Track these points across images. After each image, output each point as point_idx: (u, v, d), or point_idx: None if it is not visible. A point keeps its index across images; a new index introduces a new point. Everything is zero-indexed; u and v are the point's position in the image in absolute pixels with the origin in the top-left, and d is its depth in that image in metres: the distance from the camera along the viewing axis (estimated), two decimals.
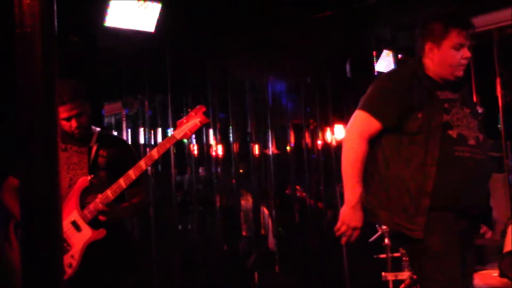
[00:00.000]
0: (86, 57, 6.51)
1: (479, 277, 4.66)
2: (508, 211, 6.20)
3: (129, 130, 7.72)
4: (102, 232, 4.10)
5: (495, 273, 4.68)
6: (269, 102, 8.05)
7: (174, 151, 7.78)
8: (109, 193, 4.06)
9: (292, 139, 8.08)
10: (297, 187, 8.03)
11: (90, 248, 4.11)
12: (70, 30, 6.29)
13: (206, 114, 4.12)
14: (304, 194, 7.97)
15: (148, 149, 7.67)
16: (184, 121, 4.11)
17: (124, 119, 7.73)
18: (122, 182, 4.06)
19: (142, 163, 4.07)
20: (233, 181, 8.06)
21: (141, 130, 7.91)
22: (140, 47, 6.88)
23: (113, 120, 8.11)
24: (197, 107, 4.15)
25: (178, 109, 7.96)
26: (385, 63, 7.51)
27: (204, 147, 8.19)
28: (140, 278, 4.40)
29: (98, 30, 6.47)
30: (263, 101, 8.11)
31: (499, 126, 6.55)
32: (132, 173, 4.06)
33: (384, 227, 4.99)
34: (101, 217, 4.09)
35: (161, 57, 7.43)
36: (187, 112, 4.13)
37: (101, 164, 4.23)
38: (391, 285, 5.04)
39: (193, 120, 4.09)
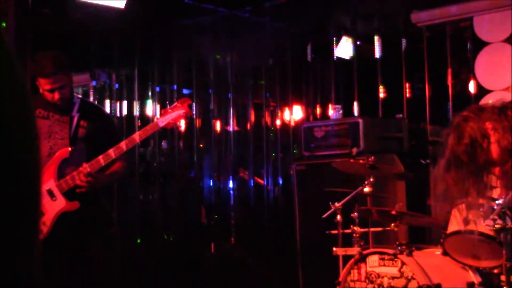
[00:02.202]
0: (56, 29, 6.60)
1: (423, 254, 4.87)
2: None
3: (95, 102, 7.81)
4: (75, 204, 4.22)
5: (438, 251, 4.84)
6: (232, 81, 8.18)
7: (139, 124, 7.93)
8: (88, 167, 4.17)
9: (252, 117, 8.22)
10: (256, 178, 8.17)
11: (63, 217, 4.24)
12: (43, 3, 6.37)
13: (190, 106, 4.25)
14: (262, 181, 8.10)
15: None
16: (169, 110, 4.23)
17: (91, 90, 7.80)
18: (101, 159, 4.17)
19: (123, 145, 4.17)
20: (194, 154, 8.23)
21: (107, 102, 8.01)
22: (110, 22, 6.98)
23: (80, 91, 8.18)
24: (183, 98, 4.31)
25: (144, 83, 8.09)
26: (344, 49, 7.71)
27: None
28: (109, 250, 4.56)
29: (69, 4, 6.57)
30: (226, 80, 8.23)
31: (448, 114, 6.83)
32: (112, 153, 4.16)
33: (337, 204, 5.27)
34: (83, 189, 4.25)
35: (129, 32, 7.53)
36: (153, 89, 4.25)
37: (81, 135, 4.30)
38: (341, 259, 5.18)
39: (178, 111, 4.20)
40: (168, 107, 4.32)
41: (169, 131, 8.15)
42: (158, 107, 8.24)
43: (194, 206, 8.17)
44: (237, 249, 7.73)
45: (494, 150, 3.10)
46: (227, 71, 8.20)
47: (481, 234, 4.50)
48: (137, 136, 4.23)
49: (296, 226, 6.44)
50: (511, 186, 3.41)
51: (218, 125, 8.36)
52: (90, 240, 4.37)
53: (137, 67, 7.82)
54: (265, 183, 8.06)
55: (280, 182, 8.03)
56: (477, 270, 4.75)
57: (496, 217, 4.18)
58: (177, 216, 8.04)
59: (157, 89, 8.22)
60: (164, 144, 8.30)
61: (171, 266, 7.49)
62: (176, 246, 7.90)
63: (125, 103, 8.31)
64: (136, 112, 8.18)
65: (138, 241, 7.86)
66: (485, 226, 4.27)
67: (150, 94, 8.23)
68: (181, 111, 4.23)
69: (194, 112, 7.91)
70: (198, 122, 8.31)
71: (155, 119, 4.36)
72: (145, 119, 8.09)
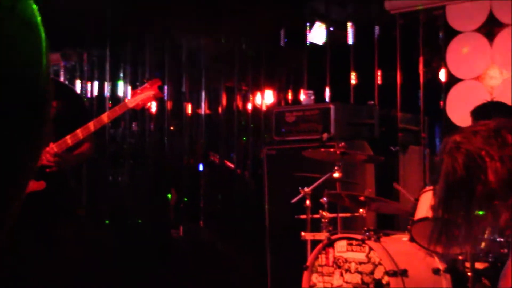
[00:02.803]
0: None
1: (390, 240, 4.90)
2: (422, 181, 6.57)
3: (66, 82, 7.74)
4: (42, 185, 4.16)
5: (405, 237, 4.91)
6: (204, 64, 8.13)
7: (110, 105, 7.88)
8: (55, 148, 4.14)
9: (224, 101, 8.22)
10: (226, 162, 8.17)
11: (29, 198, 4.26)
12: None
13: (160, 88, 4.23)
14: (231, 165, 8.10)
15: None
16: (139, 91, 4.21)
17: (62, 70, 7.73)
18: (68, 140, 4.13)
19: (91, 125, 4.12)
20: (165, 137, 8.20)
21: (78, 82, 7.95)
22: (82, 2, 6.91)
23: (50, 70, 8.09)
24: (153, 80, 4.27)
25: (116, 64, 8.03)
26: (317, 34, 7.71)
27: None
28: (77, 231, 4.55)
29: None
30: (198, 62, 8.16)
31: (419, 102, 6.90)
32: (79, 133, 4.12)
33: (306, 189, 5.28)
34: (50, 169, 4.21)
35: (102, 12, 7.45)
36: (125, 70, 4.21)
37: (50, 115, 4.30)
38: (309, 244, 5.19)
39: (147, 92, 4.19)
40: (138, 88, 4.29)
41: (139, 113, 8.10)
42: (129, 88, 8.19)
43: (164, 189, 8.15)
44: (205, 233, 7.73)
45: (493, 181, 2.79)
46: (199, 54, 8.16)
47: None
48: (105, 117, 4.19)
49: (265, 210, 6.42)
50: None
51: (189, 108, 8.32)
52: (57, 221, 4.33)
53: (109, 48, 7.75)
54: (235, 167, 8.06)
55: (250, 166, 8.03)
56: (442, 257, 4.78)
57: None
58: (146, 198, 8.01)
59: (129, 70, 8.17)
60: (134, 125, 8.25)
61: (139, 248, 7.46)
62: (144, 228, 7.87)
63: (96, 83, 8.24)
64: (107, 93, 8.13)
65: (107, 222, 7.83)
66: None
67: (121, 75, 8.17)
68: (150, 93, 4.20)
69: (164, 94, 7.86)
70: (169, 105, 8.25)
71: (125, 100, 4.33)
72: (116, 100, 8.03)
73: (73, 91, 5.00)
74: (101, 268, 6.94)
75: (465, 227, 2.72)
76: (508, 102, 5.36)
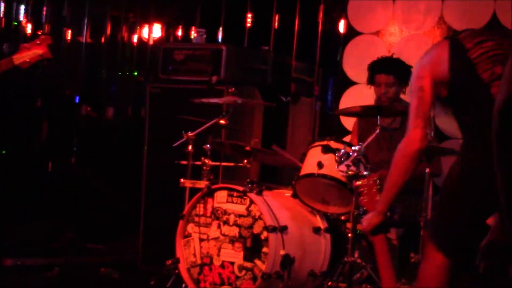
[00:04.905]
0: None
1: (272, 194, 4.83)
2: (310, 135, 6.51)
3: None
4: None
5: (288, 193, 4.88)
6: None
7: None
8: None
9: (108, 30, 7.91)
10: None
11: None
12: None
13: (50, 47, 4.11)
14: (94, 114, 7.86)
15: None
16: (27, 47, 4.11)
17: None
18: None
19: None
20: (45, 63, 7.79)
21: None
22: None
23: None
24: (43, 37, 4.17)
25: None
26: None
27: (12, 22, 7.84)
28: None
29: None
30: None
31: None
32: None
33: (190, 133, 5.03)
34: None
35: None
36: None
37: None
38: (187, 192, 5.09)
39: (36, 50, 4.10)
40: (26, 43, 4.22)
41: (12, 34, 7.68)
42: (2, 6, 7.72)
43: (35, 120, 7.80)
44: (77, 170, 7.51)
45: None
46: None
47: (333, 178, 4.47)
48: None
49: (143, 152, 6.23)
50: None
51: (69, 35, 8.00)
52: None
53: None
54: (116, 101, 7.87)
55: (132, 103, 7.89)
56: (324, 216, 4.83)
57: (350, 163, 4.20)
58: (14, 129, 7.60)
59: None
60: (5, 47, 7.81)
61: (2, 181, 7.10)
62: (9, 160, 7.49)
63: None
64: None
65: None
66: (338, 171, 4.39)
67: None
68: (39, 51, 4.12)
69: (43, 16, 7.55)
70: (47, 28, 7.86)
71: (12, 56, 4.18)
72: None
73: None
74: None
75: None
76: (405, 60, 5.29)
